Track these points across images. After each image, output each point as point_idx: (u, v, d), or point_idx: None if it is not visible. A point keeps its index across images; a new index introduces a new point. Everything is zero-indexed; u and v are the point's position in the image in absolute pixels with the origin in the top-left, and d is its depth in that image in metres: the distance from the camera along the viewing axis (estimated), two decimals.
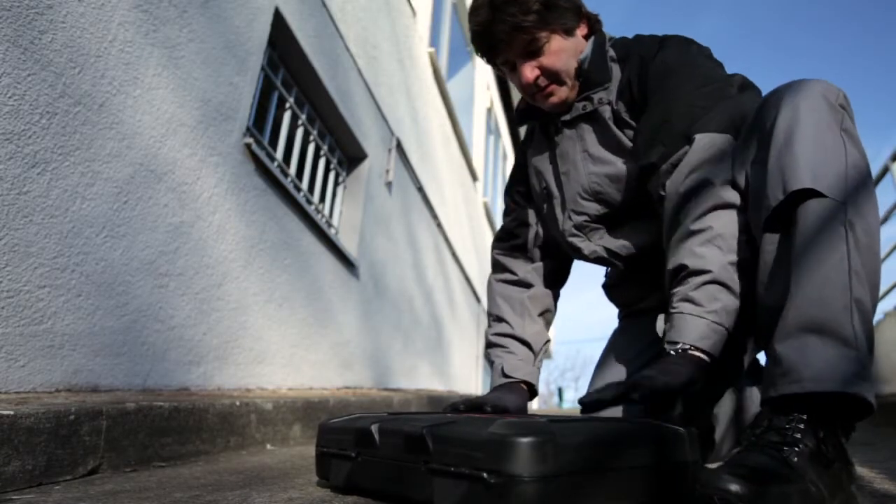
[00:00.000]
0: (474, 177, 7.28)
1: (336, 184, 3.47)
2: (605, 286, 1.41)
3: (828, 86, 0.88)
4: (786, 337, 0.78)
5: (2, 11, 1.25)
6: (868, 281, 0.78)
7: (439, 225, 5.41)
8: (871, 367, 0.75)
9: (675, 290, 0.96)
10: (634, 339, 1.27)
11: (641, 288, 1.29)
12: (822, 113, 0.85)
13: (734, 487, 0.65)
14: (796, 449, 0.72)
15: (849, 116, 0.87)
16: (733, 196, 0.94)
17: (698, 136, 0.99)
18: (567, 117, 1.22)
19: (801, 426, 0.74)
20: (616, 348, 1.30)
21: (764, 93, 0.97)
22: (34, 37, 1.33)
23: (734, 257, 0.93)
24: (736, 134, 0.98)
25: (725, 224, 0.94)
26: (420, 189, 4.79)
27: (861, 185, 0.81)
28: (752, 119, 0.93)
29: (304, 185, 3.00)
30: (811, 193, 0.80)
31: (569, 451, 0.65)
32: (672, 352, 0.91)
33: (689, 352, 0.90)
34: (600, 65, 1.18)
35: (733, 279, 0.92)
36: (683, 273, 0.95)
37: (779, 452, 0.72)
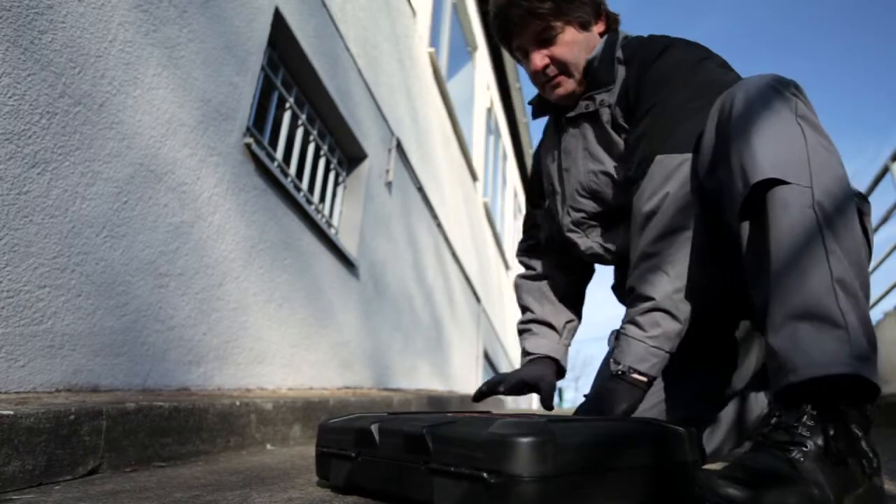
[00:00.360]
0: (474, 177, 7.28)
1: (336, 184, 3.47)
2: (613, 287, 1.42)
3: (777, 78, 0.89)
4: (777, 330, 0.78)
5: (2, 11, 1.25)
6: (849, 259, 0.76)
7: (439, 225, 5.41)
8: (868, 346, 0.73)
9: (627, 310, 1.04)
10: None
11: None
12: (773, 103, 0.86)
13: (732, 492, 0.64)
14: (804, 449, 0.71)
15: (803, 103, 0.87)
16: (688, 220, 0.98)
17: (658, 158, 1.01)
18: (571, 114, 1.23)
19: (811, 423, 0.72)
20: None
21: None
22: (34, 37, 1.33)
23: (681, 283, 0.98)
24: None
25: (677, 249, 0.98)
26: (420, 189, 4.79)
27: (826, 165, 0.81)
28: (710, 122, 0.94)
29: (304, 185, 3.00)
30: (774, 182, 0.80)
31: (569, 452, 0.65)
32: (615, 371, 1.01)
33: (629, 374, 0.99)
34: (608, 65, 1.19)
35: (677, 306, 0.98)
36: (632, 295, 1.03)
37: (785, 453, 0.71)
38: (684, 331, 1.00)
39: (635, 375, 0.99)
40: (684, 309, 0.99)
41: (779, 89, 0.87)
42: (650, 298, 0.99)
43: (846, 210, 0.79)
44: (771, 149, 0.82)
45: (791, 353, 0.75)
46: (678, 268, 0.98)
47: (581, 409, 1.07)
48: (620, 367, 1.00)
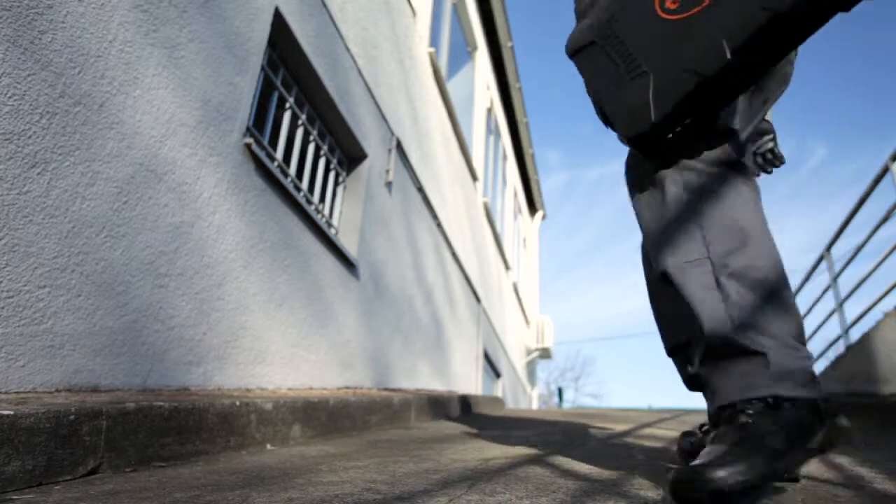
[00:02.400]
0: (474, 177, 7.27)
1: (336, 184, 3.47)
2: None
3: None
4: (701, 360, 0.88)
5: (2, 11, 1.25)
6: (741, 271, 0.86)
7: (439, 225, 5.41)
8: (792, 357, 0.80)
9: None
10: None
11: None
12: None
13: (720, 473, 0.69)
14: (749, 411, 0.78)
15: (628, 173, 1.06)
16: None
17: None
18: None
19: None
20: None
21: None
22: (34, 37, 1.33)
23: None
24: None
25: None
26: (420, 189, 4.79)
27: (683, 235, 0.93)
28: None
29: (304, 185, 3.00)
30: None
31: None
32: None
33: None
34: None
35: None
36: None
37: (737, 419, 0.78)
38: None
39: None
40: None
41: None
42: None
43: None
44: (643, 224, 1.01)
45: (715, 384, 0.86)
46: None
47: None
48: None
